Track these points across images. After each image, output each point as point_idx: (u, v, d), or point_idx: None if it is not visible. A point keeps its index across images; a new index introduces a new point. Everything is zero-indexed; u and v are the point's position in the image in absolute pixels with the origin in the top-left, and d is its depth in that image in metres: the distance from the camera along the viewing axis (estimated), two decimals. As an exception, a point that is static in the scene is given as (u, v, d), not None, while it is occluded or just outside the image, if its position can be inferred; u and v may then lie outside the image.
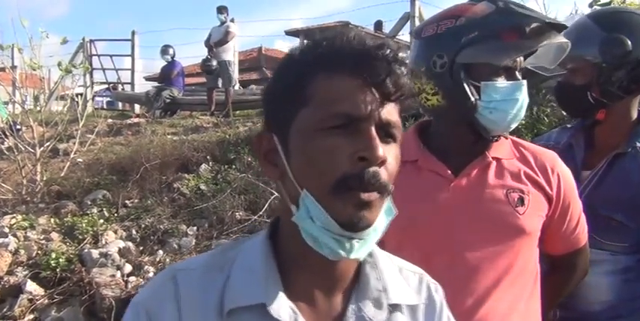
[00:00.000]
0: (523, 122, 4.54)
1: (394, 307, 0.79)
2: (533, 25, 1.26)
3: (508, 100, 1.23)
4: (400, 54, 0.74)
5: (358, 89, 0.71)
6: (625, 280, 1.57)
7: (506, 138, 1.33)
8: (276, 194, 4.66)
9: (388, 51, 0.73)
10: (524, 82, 1.27)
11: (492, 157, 1.29)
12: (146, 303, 0.76)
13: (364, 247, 0.73)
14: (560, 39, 1.29)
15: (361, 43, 0.73)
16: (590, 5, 5.28)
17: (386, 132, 0.73)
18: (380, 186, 0.71)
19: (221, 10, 8.92)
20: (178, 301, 0.75)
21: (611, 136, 1.61)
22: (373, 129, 0.71)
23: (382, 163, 0.71)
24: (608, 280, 1.57)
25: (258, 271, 0.75)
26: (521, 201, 1.24)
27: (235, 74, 10.08)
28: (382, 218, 0.75)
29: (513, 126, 1.28)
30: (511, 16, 1.25)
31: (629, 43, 1.50)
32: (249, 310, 0.73)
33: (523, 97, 1.25)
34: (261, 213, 4.61)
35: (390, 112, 0.73)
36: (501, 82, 1.24)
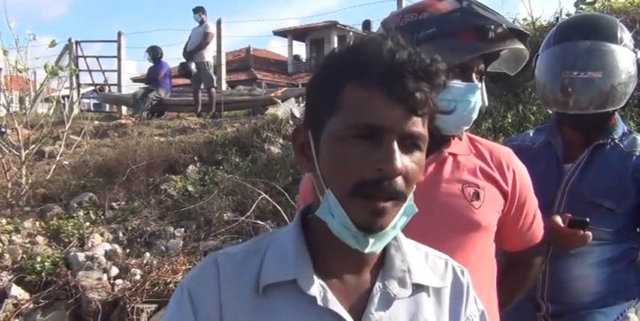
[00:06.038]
0: (510, 120, 4.55)
1: (418, 287, 0.85)
2: (499, 29, 1.25)
3: (459, 100, 1.20)
4: (432, 68, 0.76)
5: (385, 102, 0.74)
6: (614, 271, 1.60)
7: (460, 139, 1.32)
8: (264, 195, 4.64)
9: (419, 66, 0.75)
10: (479, 84, 1.25)
11: (449, 153, 1.28)
12: (189, 284, 0.84)
13: (378, 243, 0.79)
14: (519, 45, 1.28)
15: (394, 56, 0.75)
16: (576, 4, 5.33)
17: (410, 142, 0.77)
18: (396, 194, 0.76)
19: (197, 10, 8.84)
20: (219, 281, 0.82)
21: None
22: (395, 142, 0.75)
23: (400, 174, 0.75)
24: (595, 271, 1.60)
25: (290, 252, 0.83)
26: (477, 195, 1.24)
27: (223, 74, 10.04)
28: (400, 218, 0.80)
29: (465, 128, 1.27)
30: (471, 16, 1.24)
31: None
32: (282, 286, 0.80)
33: (475, 100, 1.23)
34: (248, 214, 4.59)
35: (416, 123, 0.76)
36: (454, 83, 1.21)
